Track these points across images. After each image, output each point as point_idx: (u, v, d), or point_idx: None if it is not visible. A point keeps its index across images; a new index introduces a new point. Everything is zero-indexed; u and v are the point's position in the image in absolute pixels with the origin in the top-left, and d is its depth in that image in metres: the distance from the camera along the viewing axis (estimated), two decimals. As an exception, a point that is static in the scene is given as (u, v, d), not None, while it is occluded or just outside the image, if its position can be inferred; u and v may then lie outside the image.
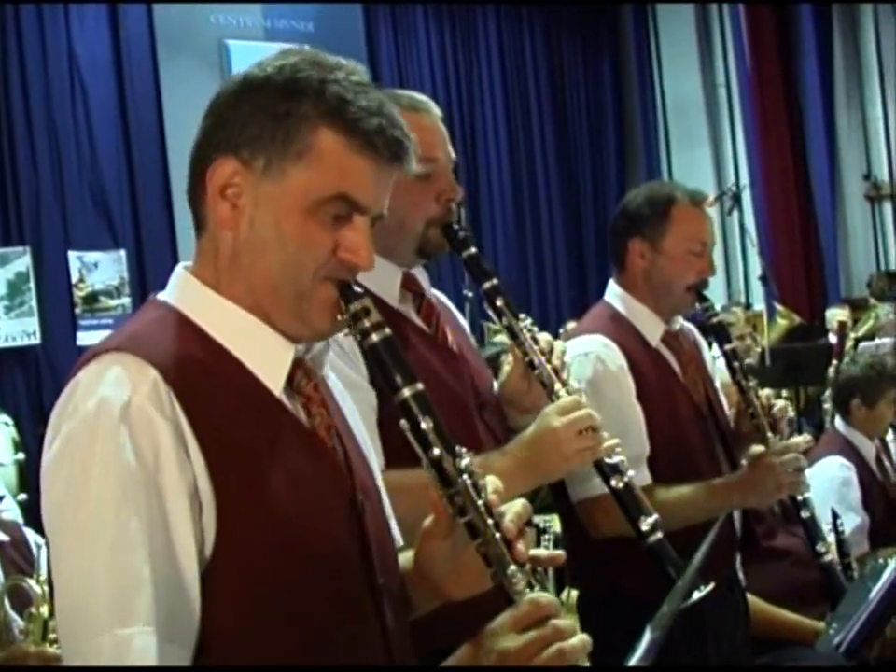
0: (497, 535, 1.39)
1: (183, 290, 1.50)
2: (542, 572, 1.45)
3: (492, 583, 1.41)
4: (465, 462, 1.42)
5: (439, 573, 1.52)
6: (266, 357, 1.46)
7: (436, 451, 1.42)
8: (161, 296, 1.52)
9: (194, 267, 1.52)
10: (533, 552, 1.43)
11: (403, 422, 1.43)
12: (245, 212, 1.44)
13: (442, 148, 2.23)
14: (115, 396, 1.33)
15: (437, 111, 2.26)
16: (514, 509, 1.44)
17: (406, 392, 1.43)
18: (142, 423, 1.33)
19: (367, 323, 1.45)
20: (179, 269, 1.54)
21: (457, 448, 1.43)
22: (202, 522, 1.34)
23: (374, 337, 1.44)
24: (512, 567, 1.38)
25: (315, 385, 1.54)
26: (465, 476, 1.41)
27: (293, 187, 1.43)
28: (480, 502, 1.41)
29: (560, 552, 1.52)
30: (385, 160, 1.45)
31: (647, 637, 1.40)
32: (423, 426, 1.42)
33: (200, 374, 1.40)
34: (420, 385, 1.44)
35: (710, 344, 3.16)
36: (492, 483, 1.45)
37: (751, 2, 12.18)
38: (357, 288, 1.47)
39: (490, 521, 1.40)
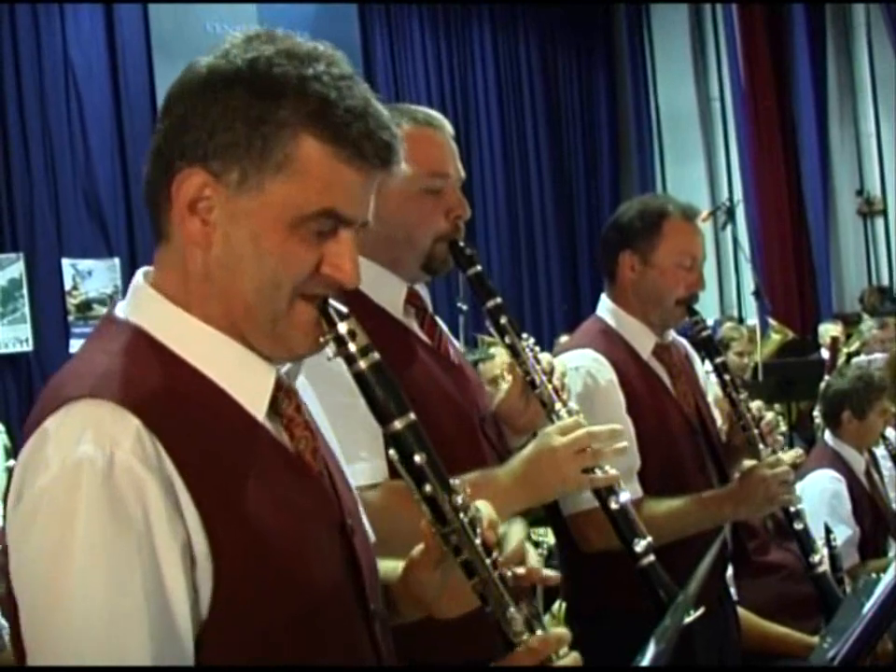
0: (496, 574, 1.34)
1: (150, 309, 1.36)
2: (537, 607, 1.41)
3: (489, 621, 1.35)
4: (460, 498, 1.35)
5: (429, 597, 1.49)
6: (247, 381, 1.34)
7: (429, 487, 1.33)
8: (122, 313, 1.38)
9: (157, 279, 1.37)
10: (528, 568, 1.40)
11: (393, 453, 1.35)
12: (217, 228, 1.30)
13: (453, 165, 2.24)
14: (95, 454, 1.18)
15: (450, 128, 2.26)
16: (511, 542, 1.40)
17: (398, 424, 1.33)
18: (128, 483, 1.19)
19: (353, 347, 1.32)
20: (140, 281, 1.39)
21: (452, 482, 1.36)
22: (195, 578, 1.22)
23: (362, 364, 1.32)
24: (511, 610, 1.33)
25: (298, 406, 1.42)
26: (461, 514, 1.34)
27: (272, 202, 1.29)
28: (477, 541, 1.34)
29: (553, 573, 1.51)
30: (373, 167, 1.32)
31: (651, 650, 1.37)
32: (417, 459, 1.33)
33: (181, 409, 1.27)
34: (412, 416, 1.34)
35: (703, 359, 3.16)
36: (487, 515, 1.39)
37: (746, 17, 12.23)
38: (340, 307, 1.34)
39: (488, 560, 1.34)
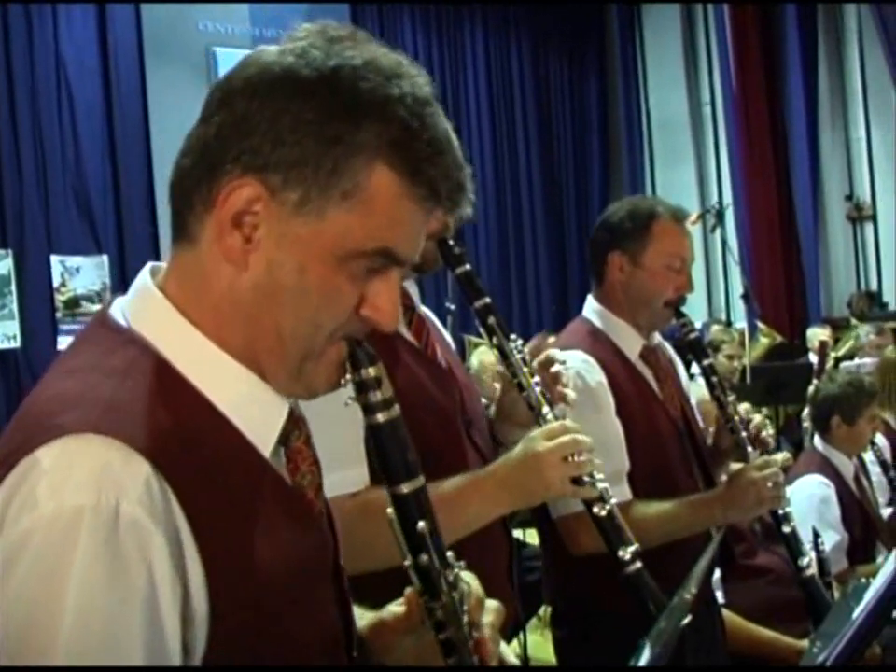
0: (475, 657, 1.27)
1: (159, 322, 1.20)
2: None
3: None
4: (453, 574, 1.26)
5: (391, 659, 1.40)
6: (259, 416, 1.21)
7: (426, 557, 1.24)
8: (122, 317, 1.22)
9: (168, 285, 1.22)
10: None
11: (391, 513, 1.25)
12: (260, 249, 1.16)
13: None
14: (98, 503, 1.03)
15: None
16: (489, 619, 1.33)
17: (405, 488, 1.24)
18: (133, 539, 1.04)
19: (376, 397, 1.22)
20: (147, 283, 1.23)
21: (448, 555, 1.27)
22: (188, 638, 1.09)
23: (380, 417, 1.22)
24: None
25: (307, 438, 1.30)
26: (453, 592, 1.26)
27: (329, 231, 1.15)
28: (464, 619, 1.27)
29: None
30: (443, 209, 1.21)
31: (647, 652, 1.35)
32: (419, 527, 1.24)
33: (193, 449, 1.13)
34: (421, 479, 1.25)
35: (690, 364, 3.15)
36: (475, 591, 1.32)
37: (738, 22, 12.26)
38: (369, 349, 1.23)
39: (471, 643, 1.27)
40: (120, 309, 1.23)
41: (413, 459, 1.25)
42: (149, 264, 1.28)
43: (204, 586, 1.09)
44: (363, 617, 1.42)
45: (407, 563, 1.26)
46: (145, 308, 1.21)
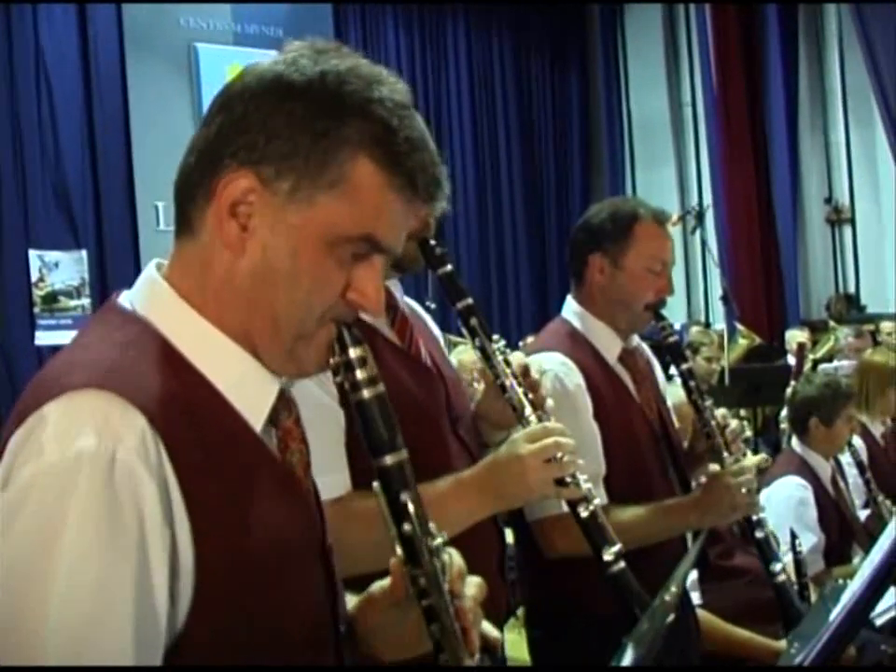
0: (457, 625, 1.33)
1: (162, 306, 1.31)
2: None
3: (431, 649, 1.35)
4: (436, 542, 1.33)
5: (376, 640, 1.46)
6: (251, 393, 1.30)
7: (408, 526, 1.31)
8: (128, 303, 1.33)
9: (172, 275, 1.32)
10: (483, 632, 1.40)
11: (377, 486, 1.32)
12: (256, 236, 1.27)
13: None
14: (97, 449, 1.12)
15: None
16: (471, 592, 1.38)
17: (389, 460, 1.31)
18: (127, 485, 1.13)
19: (361, 375, 1.31)
20: (153, 274, 1.34)
21: (430, 525, 1.33)
22: (175, 589, 1.17)
23: (365, 393, 1.31)
24: (466, 661, 1.32)
25: (297, 419, 1.39)
26: (435, 560, 1.32)
27: (318, 218, 1.26)
28: (445, 587, 1.32)
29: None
30: (420, 201, 1.32)
31: (629, 654, 1.36)
32: (402, 498, 1.31)
33: (186, 415, 1.22)
34: (405, 453, 1.32)
35: (667, 365, 3.14)
36: (456, 564, 1.37)
37: (719, 23, 12.30)
38: (355, 332, 1.33)
39: (451, 609, 1.32)
40: (128, 299, 1.34)
41: (398, 434, 1.33)
42: (154, 260, 1.37)
43: (191, 541, 1.18)
44: (351, 601, 1.48)
45: (392, 533, 1.32)
46: (150, 296, 1.32)
